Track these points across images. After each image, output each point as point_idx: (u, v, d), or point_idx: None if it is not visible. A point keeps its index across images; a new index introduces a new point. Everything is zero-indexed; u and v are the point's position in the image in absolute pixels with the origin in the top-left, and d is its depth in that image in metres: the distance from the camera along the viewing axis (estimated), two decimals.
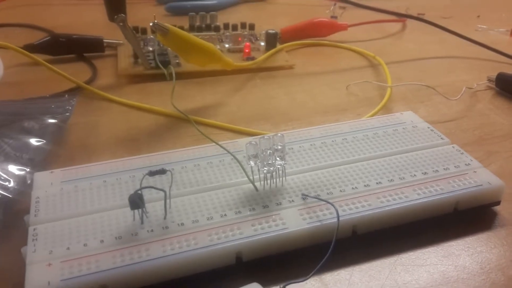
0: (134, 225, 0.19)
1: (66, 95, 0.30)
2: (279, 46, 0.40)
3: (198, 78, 0.36)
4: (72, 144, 0.28)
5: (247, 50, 0.39)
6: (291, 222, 0.20)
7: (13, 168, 0.23)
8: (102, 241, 0.19)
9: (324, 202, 0.21)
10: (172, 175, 0.20)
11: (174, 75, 0.24)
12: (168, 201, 0.20)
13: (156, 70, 0.36)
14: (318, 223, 0.20)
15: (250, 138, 0.25)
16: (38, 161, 0.24)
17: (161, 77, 0.35)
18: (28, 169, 0.23)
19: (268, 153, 0.21)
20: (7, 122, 0.27)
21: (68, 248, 0.18)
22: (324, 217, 0.20)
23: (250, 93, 0.35)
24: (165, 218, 0.20)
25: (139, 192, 0.19)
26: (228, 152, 0.22)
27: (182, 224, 0.20)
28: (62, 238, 0.19)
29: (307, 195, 0.21)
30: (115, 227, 0.19)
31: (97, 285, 0.17)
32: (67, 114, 0.28)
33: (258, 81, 0.36)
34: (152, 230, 0.19)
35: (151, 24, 0.28)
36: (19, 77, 0.35)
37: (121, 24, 0.33)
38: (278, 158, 0.21)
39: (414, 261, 0.20)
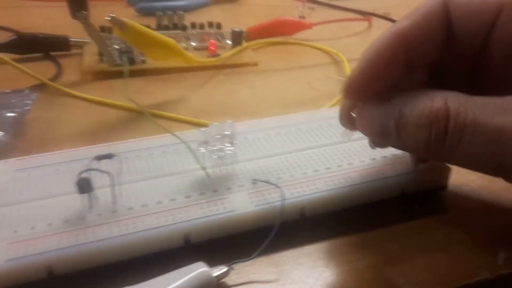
0: (83, 210, 0.20)
1: (27, 90, 0.30)
2: (244, 44, 0.41)
3: (163, 75, 0.37)
4: (31, 138, 0.28)
5: (212, 48, 0.39)
6: (239, 204, 0.20)
7: None
8: (49, 224, 0.19)
9: (273, 186, 0.21)
10: (121, 159, 0.21)
11: (127, 63, 0.24)
12: (116, 186, 0.20)
13: (120, 67, 0.36)
14: (266, 206, 0.20)
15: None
16: None
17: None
18: None
19: (217, 139, 0.21)
20: None
21: (15, 231, 0.18)
22: (272, 200, 0.21)
23: (213, 89, 0.35)
24: (113, 202, 0.20)
25: (86, 176, 0.19)
26: (179, 138, 0.23)
27: (131, 208, 0.20)
28: (10, 222, 0.19)
29: (257, 180, 0.22)
30: (64, 211, 0.19)
31: (43, 265, 0.17)
32: (27, 108, 0.28)
33: (222, 77, 0.37)
34: (100, 214, 0.19)
35: (107, 18, 0.28)
36: None
37: (83, 21, 0.33)
38: (228, 144, 0.22)
39: (359, 242, 0.21)
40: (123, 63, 0.25)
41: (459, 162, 0.17)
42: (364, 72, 0.18)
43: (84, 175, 0.19)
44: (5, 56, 0.35)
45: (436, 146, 0.17)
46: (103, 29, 0.40)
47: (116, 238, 0.18)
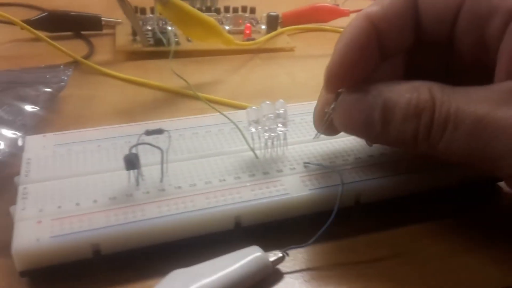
0: (129, 187, 0.18)
1: (62, 66, 0.29)
2: (280, 29, 0.40)
3: (197, 57, 0.35)
4: (67, 114, 0.27)
5: (247, 31, 0.38)
6: (292, 188, 0.19)
7: (6, 132, 0.22)
8: (95, 201, 0.18)
9: (327, 170, 0.20)
10: (170, 136, 0.19)
11: (172, 41, 0.23)
12: (165, 163, 0.19)
13: (155, 47, 0.35)
14: (321, 190, 0.19)
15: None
16: (31, 127, 0.23)
17: (159, 55, 0.35)
18: (20, 134, 0.22)
19: (269, 117, 0.20)
20: (3, 89, 0.26)
21: (59, 207, 0.17)
22: (326, 184, 0.19)
23: (251, 72, 0.34)
24: (161, 180, 0.19)
25: (135, 151, 0.18)
26: (228, 118, 0.22)
27: (179, 187, 0.19)
28: (53, 197, 0.18)
29: (309, 163, 0.20)
30: (109, 188, 0.18)
31: (88, 243, 0.16)
32: (62, 84, 0.27)
33: (259, 61, 0.36)
34: (148, 192, 0.18)
35: None
36: (15, 52, 0.35)
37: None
38: (280, 125, 0.20)
39: (418, 232, 0.20)
40: (166, 43, 0.24)
41: (444, 154, 0.17)
42: (342, 58, 0.18)
43: (133, 150, 0.18)
44: (40, 33, 0.34)
45: (424, 137, 0.16)
46: (135, 10, 0.38)
47: (165, 218, 0.17)
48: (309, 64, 0.36)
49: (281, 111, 0.20)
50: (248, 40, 0.37)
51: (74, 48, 0.35)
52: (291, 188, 0.19)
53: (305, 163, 0.21)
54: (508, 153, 0.15)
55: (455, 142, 0.16)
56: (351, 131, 0.18)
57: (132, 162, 0.18)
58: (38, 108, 0.25)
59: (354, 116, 0.18)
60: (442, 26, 0.18)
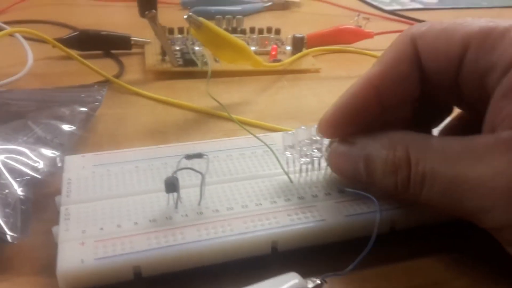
0: (168, 209, 0.19)
1: (96, 86, 0.30)
2: (305, 51, 0.40)
3: (225, 77, 0.36)
4: (101, 133, 0.27)
5: (273, 53, 0.39)
6: (328, 214, 0.19)
7: (44, 151, 0.23)
8: (136, 223, 0.18)
9: (362, 196, 0.20)
10: (208, 160, 0.20)
11: (209, 63, 0.24)
12: (204, 186, 0.19)
13: (184, 68, 0.36)
14: (357, 216, 0.19)
15: (282, 133, 0.25)
16: (69, 146, 0.24)
17: (188, 75, 0.35)
18: (58, 153, 0.23)
19: (305, 143, 0.20)
20: (38, 107, 0.27)
21: (101, 229, 0.18)
22: (362, 211, 0.20)
23: (278, 93, 0.34)
24: (199, 203, 0.19)
25: (175, 175, 0.18)
26: (263, 142, 0.22)
27: (217, 210, 0.19)
28: (95, 218, 0.18)
29: (344, 188, 0.21)
30: (149, 210, 0.19)
31: (130, 266, 0.17)
32: (97, 103, 0.28)
33: (285, 82, 0.36)
34: (186, 215, 0.19)
35: (185, 16, 0.28)
36: (47, 69, 0.36)
37: (151, 20, 0.33)
38: (315, 150, 0.21)
39: (454, 261, 0.20)
40: (200, 65, 0.24)
41: (428, 205, 0.18)
42: (336, 114, 0.19)
43: (176, 174, 0.18)
44: (71, 51, 0.35)
45: (403, 190, 0.18)
46: (163, 28, 0.39)
47: (204, 242, 0.17)
48: (335, 85, 0.36)
49: (318, 138, 0.20)
50: (274, 61, 0.38)
51: (104, 67, 0.36)
52: (327, 214, 0.19)
53: (340, 188, 0.21)
54: (481, 210, 0.16)
55: (434, 196, 0.17)
56: (343, 176, 0.20)
57: (173, 186, 0.18)
58: (74, 127, 0.25)
59: (343, 165, 0.19)
60: (446, 74, 0.19)
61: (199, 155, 0.19)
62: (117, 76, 0.35)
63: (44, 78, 0.34)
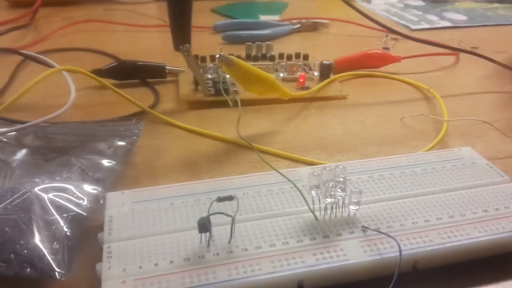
0: (201, 248, 0.20)
1: (134, 119, 0.32)
2: (332, 77, 0.41)
3: (254, 106, 0.37)
4: (138, 166, 0.29)
5: (301, 80, 0.40)
6: (352, 253, 0.20)
7: (87, 187, 0.25)
8: (171, 262, 0.20)
9: (385, 235, 0.21)
10: (238, 201, 0.21)
11: (239, 103, 0.25)
12: (233, 226, 0.21)
13: (215, 97, 0.37)
14: (379, 256, 0.20)
15: (308, 168, 0.26)
16: (109, 181, 0.26)
17: (219, 104, 0.37)
18: (100, 189, 0.25)
19: (330, 184, 0.21)
20: (80, 142, 0.29)
21: (140, 267, 0.19)
22: (385, 251, 0.20)
23: (305, 122, 0.35)
24: (229, 242, 0.20)
25: (208, 217, 0.20)
26: (291, 182, 0.23)
27: (246, 249, 0.20)
28: (134, 257, 0.20)
29: (367, 227, 0.22)
30: (183, 249, 0.20)
31: None
32: (135, 137, 0.30)
33: (312, 110, 0.37)
34: (217, 254, 0.20)
35: (217, 56, 0.29)
36: (87, 100, 0.38)
37: (185, 53, 0.34)
38: (339, 190, 0.22)
39: None
40: (231, 104, 0.26)
41: None
42: None
43: (208, 215, 0.20)
44: (106, 82, 0.37)
45: None
46: (196, 57, 0.41)
47: (235, 281, 0.19)
48: (361, 113, 0.37)
49: (341, 179, 0.21)
50: (302, 88, 0.39)
51: (141, 96, 0.38)
52: (350, 253, 0.20)
53: (363, 227, 0.22)
54: None
55: None
56: None
57: (205, 226, 0.20)
58: (114, 162, 0.27)
59: None
60: None
61: (229, 198, 0.21)
62: (153, 106, 0.37)
63: (85, 109, 0.36)
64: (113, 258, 0.20)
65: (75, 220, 0.23)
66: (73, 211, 0.23)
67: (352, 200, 0.22)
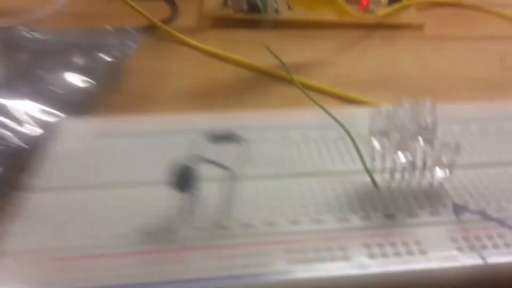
0: (175, 218, 0.12)
1: (131, 29, 0.24)
2: (406, 1, 0.31)
3: (299, 29, 0.28)
4: (130, 91, 0.21)
5: (364, 2, 0.30)
6: (435, 251, 0.12)
7: (42, 110, 0.17)
8: (124, 235, 0.12)
9: (495, 223, 0.12)
10: (249, 146, 0.13)
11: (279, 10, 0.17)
12: (232, 187, 0.12)
13: (247, 15, 0.29)
14: (482, 261, 0.11)
15: (368, 109, 0.17)
16: (83, 106, 0.18)
17: (252, 24, 0.28)
18: (61, 113, 0.17)
19: (408, 130, 0.13)
20: (55, 54, 0.21)
21: (66, 240, 0.12)
22: (494, 251, 0.12)
23: (365, 54, 0.26)
24: (222, 212, 0.12)
25: (192, 165, 0.12)
26: (341, 125, 0.14)
27: (249, 225, 0.12)
28: (63, 220, 0.12)
29: (463, 207, 0.13)
30: (147, 215, 0.12)
31: None
32: (128, 52, 0.22)
33: (377, 40, 0.28)
34: (201, 229, 0.12)
35: None
36: (87, 9, 0.30)
37: None
38: (421, 141, 0.13)
39: None
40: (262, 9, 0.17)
41: None
42: None
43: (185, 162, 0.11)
44: None
45: None
46: None
47: (225, 281, 0.11)
48: (444, 48, 0.28)
49: (427, 123, 0.12)
50: (365, 12, 0.30)
51: (155, 9, 0.29)
52: (432, 251, 0.12)
53: (456, 206, 0.13)
54: None
55: None
56: None
57: (184, 182, 0.11)
58: (93, 82, 0.19)
59: None
60: None
61: (229, 137, 0.12)
62: (167, 21, 0.28)
63: (82, 18, 0.29)
64: (24, 220, 0.12)
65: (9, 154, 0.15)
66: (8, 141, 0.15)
67: (441, 160, 0.13)
